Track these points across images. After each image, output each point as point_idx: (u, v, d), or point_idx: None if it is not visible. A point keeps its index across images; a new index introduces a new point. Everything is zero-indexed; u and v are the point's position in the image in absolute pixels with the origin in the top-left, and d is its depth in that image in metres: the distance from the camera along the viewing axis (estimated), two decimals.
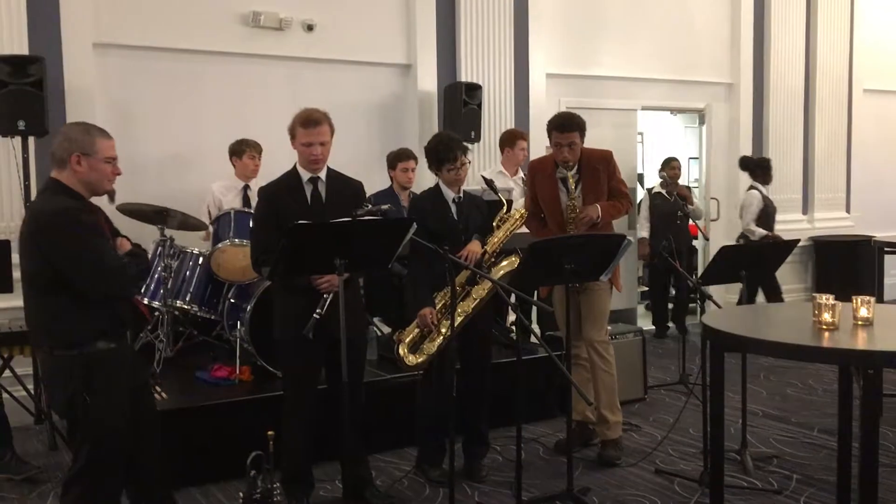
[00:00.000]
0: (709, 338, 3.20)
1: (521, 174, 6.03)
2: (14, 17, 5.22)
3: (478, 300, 4.06)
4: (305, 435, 3.77)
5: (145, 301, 4.87)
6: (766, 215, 7.25)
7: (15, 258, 4.41)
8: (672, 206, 7.02)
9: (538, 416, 5.13)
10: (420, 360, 4.02)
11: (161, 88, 5.85)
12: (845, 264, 7.62)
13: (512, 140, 6.11)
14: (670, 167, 7.50)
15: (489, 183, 4.28)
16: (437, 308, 4.01)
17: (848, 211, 9.26)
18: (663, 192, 7.26)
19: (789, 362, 6.47)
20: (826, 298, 2.97)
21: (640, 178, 9.67)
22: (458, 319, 3.94)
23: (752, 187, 7.33)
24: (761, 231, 7.14)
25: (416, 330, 4.02)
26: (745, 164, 7.45)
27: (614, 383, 4.54)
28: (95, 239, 2.85)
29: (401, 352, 4.02)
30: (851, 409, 3.47)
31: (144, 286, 4.75)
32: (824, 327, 2.94)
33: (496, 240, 4.17)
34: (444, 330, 3.98)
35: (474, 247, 4.06)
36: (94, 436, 2.91)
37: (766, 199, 7.25)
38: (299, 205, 3.68)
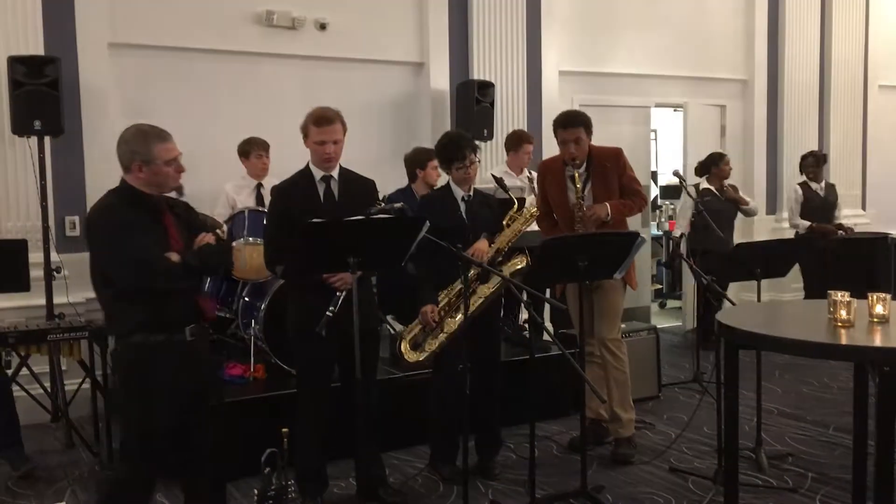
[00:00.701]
0: (723, 335, 3.19)
1: (526, 173, 6.01)
2: (29, 18, 5.26)
3: (483, 298, 4.06)
4: (319, 432, 3.78)
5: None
6: (811, 209, 7.25)
7: (32, 257, 4.46)
8: (725, 204, 6.85)
9: (551, 414, 5.12)
10: (420, 357, 4.04)
11: (175, 88, 5.88)
12: (861, 261, 7.56)
13: (517, 144, 6.08)
14: (724, 163, 6.97)
15: (499, 181, 4.28)
16: (441, 305, 4.02)
17: (864, 208, 9.19)
18: (713, 189, 6.86)
19: (804, 360, 6.43)
20: (842, 295, 2.95)
21: (654, 175, 9.64)
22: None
23: (800, 183, 7.41)
24: (804, 223, 7.20)
25: (419, 327, 4.05)
26: None
27: (627, 381, 4.53)
28: (128, 234, 2.93)
29: (402, 348, 4.05)
30: (867, 406, 3.45)
31: None
32: (840, 325, 2.93)
33: (504, 239, 4.16)
34: (446, 328, 4.00)
35: (481, 245, 4.06)
36: (126, 421, 3.07)
37: (808, 192, 7.27)
38: (312, 203, 3.68)
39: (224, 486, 3.43)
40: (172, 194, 3.17)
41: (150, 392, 3.00)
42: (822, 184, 7.37)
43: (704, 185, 6.91)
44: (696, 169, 7.08)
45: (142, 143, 3.00)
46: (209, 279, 4.92)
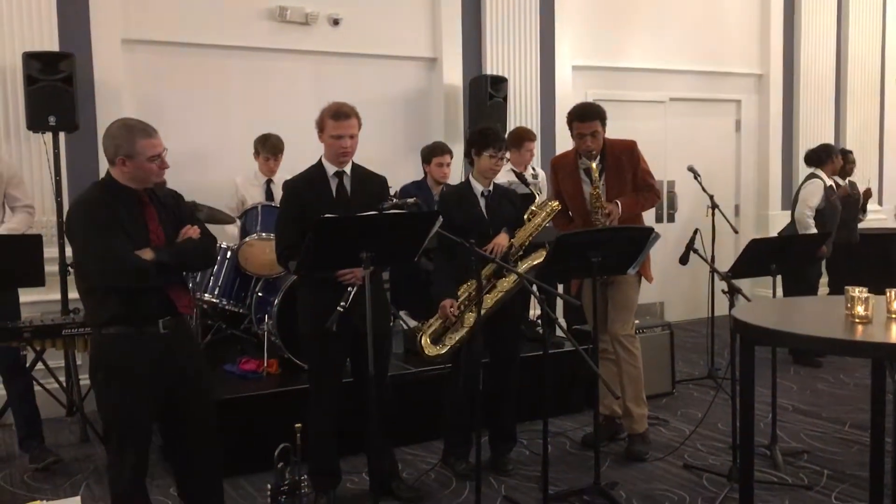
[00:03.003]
0: (738, 331, 3.16)
1: (531, 170, 5.95)
2: (44, 14, 5.29)
3: (502, 293, 4.05)
4: (331, 428, 3.78)
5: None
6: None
7: (47, 252, 4.48)
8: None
9: (565, 410, 5.12)
10: (441, 351, 4.03)
11: (188, 83, 5.89)
12: (879, 257, 7.50)
13: (518, 142, 5.92)
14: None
15: (519, 175, 4.28)
16: (461, 300, 4.01)
17: (880, 203, 9.11)
18: (842, 184, 6.71)
19: (820, 356, 6.39)
20: (859, 291, 2.92)
21: None
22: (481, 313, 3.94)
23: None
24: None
25: (439, 321, 4.04)
26: None
27: (640, 376, 4.50)
28: (101, 230, 2.91)
29: (423, 342, 4.04)
30: (884, 403, 3.41)
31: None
32: (857, 320, 2.89)
33: (525, 233, 4.15)
34: (466, 322, 3.99)
35: (501, 240, 4.05)
36: (103, 409, 3.13)
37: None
38: (324, 199, 3.68)
39: (221, 486, 3.38)
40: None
41: (122, 384, 2.99)
42: (847, 181, 7.25)
43: (828, 179, 6.57)
44: (805, 158, 6.85)
45: (126, 138, 2.97)
46: (212, 273, 4.97)
